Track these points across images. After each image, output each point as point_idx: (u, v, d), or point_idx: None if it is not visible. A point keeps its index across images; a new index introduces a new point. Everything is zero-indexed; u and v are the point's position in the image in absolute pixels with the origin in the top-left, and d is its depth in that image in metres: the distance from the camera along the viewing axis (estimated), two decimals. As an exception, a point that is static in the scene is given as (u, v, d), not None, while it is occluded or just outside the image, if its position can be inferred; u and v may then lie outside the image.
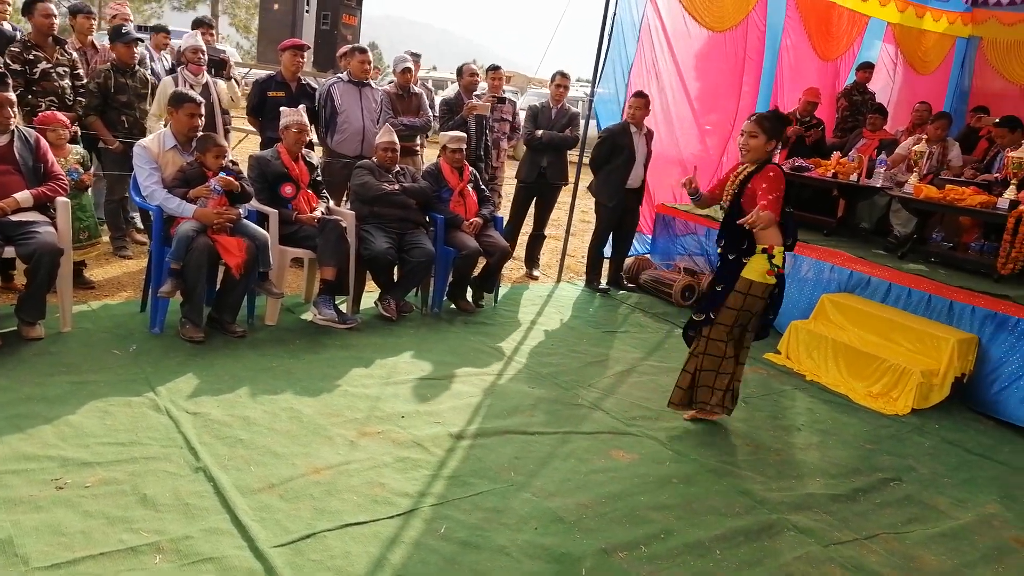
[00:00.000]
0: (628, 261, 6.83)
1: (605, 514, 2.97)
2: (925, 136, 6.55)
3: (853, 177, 6.20)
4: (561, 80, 6.41)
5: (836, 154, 6.51)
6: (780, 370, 4.99)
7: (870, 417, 4.37)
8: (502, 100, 6.60)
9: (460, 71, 6.52)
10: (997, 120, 6.44)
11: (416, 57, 6.82)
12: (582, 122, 6.57)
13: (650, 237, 7.17)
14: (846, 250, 5.69)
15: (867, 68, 7.72)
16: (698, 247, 6.69)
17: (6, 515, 2.50)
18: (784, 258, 3.66)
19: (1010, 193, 5.19)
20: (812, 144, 7.08)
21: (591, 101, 6.51)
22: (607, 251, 6.60)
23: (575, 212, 6.86)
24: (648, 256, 7.07)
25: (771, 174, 3.59)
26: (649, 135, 6.29)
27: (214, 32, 6.52)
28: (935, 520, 3.28)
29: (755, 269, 3.62)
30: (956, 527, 3.24)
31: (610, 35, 6.17)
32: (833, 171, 6.29)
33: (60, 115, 4.71)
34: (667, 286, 6.30)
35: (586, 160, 6.48)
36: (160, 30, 6.64)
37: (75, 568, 2.30)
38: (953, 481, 3.69)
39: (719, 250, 3.81)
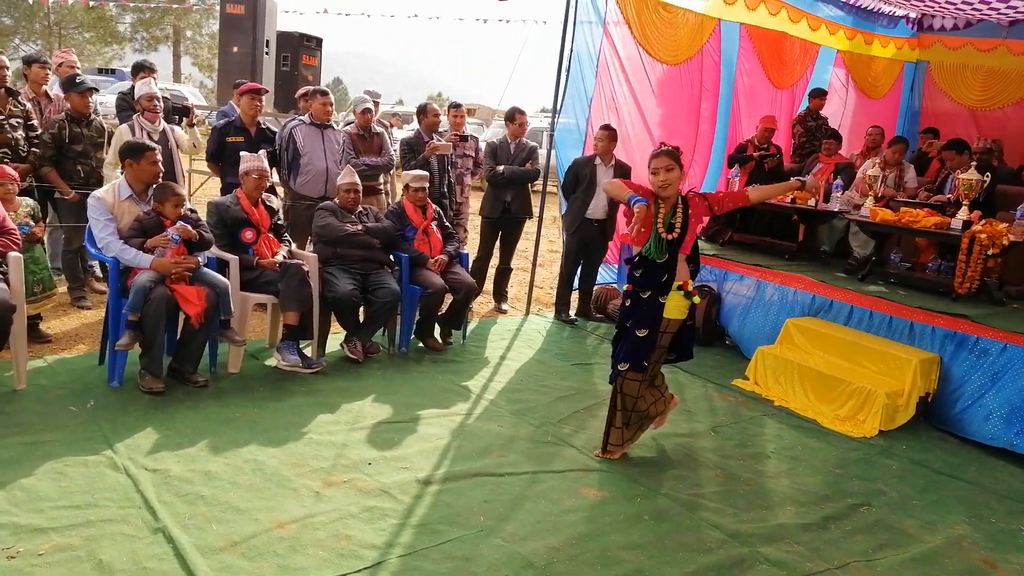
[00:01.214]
0: (595, 291, 6.86)
1: (576, 556, 2.93)
2: (880, 160, 6.70)
3: (811, 202, 6.31)
4: (520, 118, 6.47)
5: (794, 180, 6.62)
6: (749, 396, 5.01)
7: (838, 441, 4.40)
8: (464, 138, 6.63)
9: (423, 110, 6.55)
10: (944, 144, 6.63)
11: (376, 96, 6.85)
12: (543, 152, 6.63)
13: (616, 266, 7.21)
14: (808, 274, 5.77)
15: (820, 95, 7.91)
16: (664, 275, 6.73)
17: (-47, 590, 2.41)
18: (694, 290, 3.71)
19: (963, 214, 5.32)
20: (770, 170, 7.21)
21: (551, 134, 6.57)
22: (576, 282, 6.63)
23: (542, 242, 6.89)
24: (615, 285, 7.10)
25: (705, 199, 3.69)
26: (620, 168, 6.30)
27: (155, 75, 6.39)
28: (905, 545, 3.29)
29: (675, 307, 3.63)
30: (926, 551, 3.25)
31: (567, 68, 6.25)
32: (792, 197, 6.39)
33: (8, 168, 4.62)
34: (634, 316, 6.32)
35: (551, 190, 6.51)
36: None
37: (25, 644, 2.21)
38: (922, 503, 3.71)
39: (627, 287, 3.74)
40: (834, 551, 3.17)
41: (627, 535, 3.12)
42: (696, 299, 3.70)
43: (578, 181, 6.24)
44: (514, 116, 6.50)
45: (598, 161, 6.20)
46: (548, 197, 6.65)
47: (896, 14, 8.45)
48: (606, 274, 7.21)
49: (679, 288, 3.61)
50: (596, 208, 6.28)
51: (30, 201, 4.76)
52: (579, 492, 3.47)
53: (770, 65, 7.71)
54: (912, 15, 8.62)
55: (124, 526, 2.85)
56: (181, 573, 2.60)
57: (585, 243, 6.38)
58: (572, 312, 6.62)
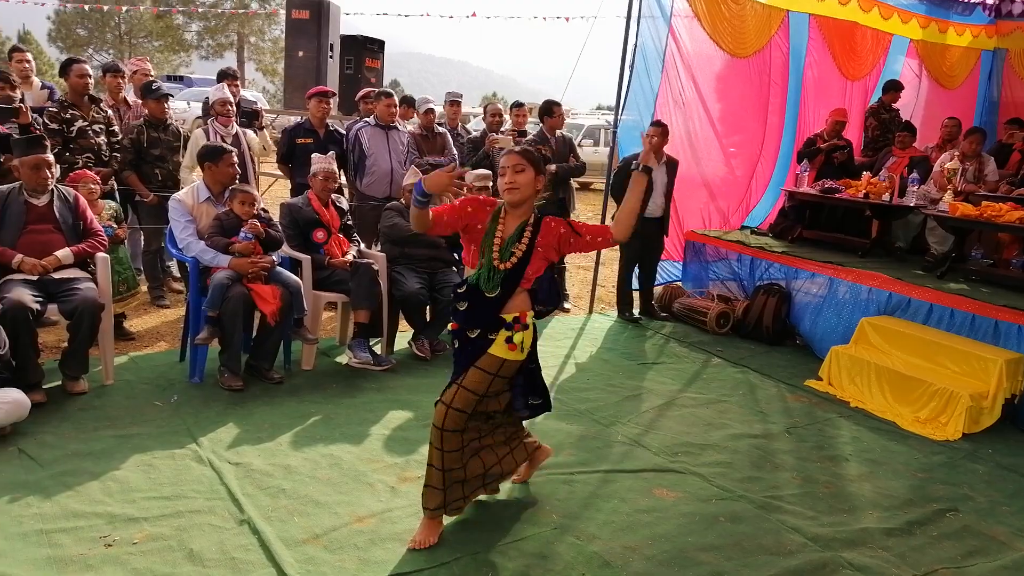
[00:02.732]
0: (659, 289, 6.79)
1: (653, 556, 2.90)
2: (958, 152, 6.45)
3: (885, 196, 6.11)
4: (558, 111, 6.39)
5: (866, 174, 6.44)
6: (823, 397, 4.89)
7: (920, 444, 4.25)
8: (523, 134, 6.64)
9: (486, 110, 6.60)
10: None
11: (457, 96, 6.88)
12: (603, 149, 6.59)
13: (681, 264, 7.12)
14: (883, 271, 5.59)
15: (895, 88, 7.65)
16: (730, 272, 6.63)
17: (58, 574, 2.52)
18: (534, 328, 2.91)
19: (1050, 207, 5.08)
20: (840, 165, 7.01)
21: (614, 131, 6.52)
22: (634, 282, 6.57)
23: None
24: (680, 284, 7.02)
25: (562, 230, 2.85)
26: (672, 164, 6.26)
27: (239, 83, 6.66)
28: (996, 552, 3.16)
29: (502, 345, 2.82)
30: (1019, 559, 3.12)
31: (631, 64, 6.19)
32: (865, 191, 6.21)
33: (89, 171, 4.82)
34: (701, 314, 6.24)
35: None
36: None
37: (125, 629, 2.30)
38: (1012, 509, 3.56)
39: (452, 325, 2.93)
40: (921, 557, 3.07)
41: (703, 536, 3.08)
42: (518, 337, 2.81)
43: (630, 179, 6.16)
44: (552, 109, 6.34)
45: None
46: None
47: (972, 1, 8.13)
48: (672, 271, 7.13)
49: (515, 321, 2.81)
50: (653, 206, 6.20)
51: (113, 204, 4.96)
52: (652, 492, 3.43)
53: (841, 56, 7.50)
54: (989, 1, 8.27)
55: (211, 517, 2.94)
56: (267, 564, 2.67)
57: (643, 243, 6.32)
58: (636, 311, 6.56)
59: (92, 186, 4.64)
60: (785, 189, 7.18)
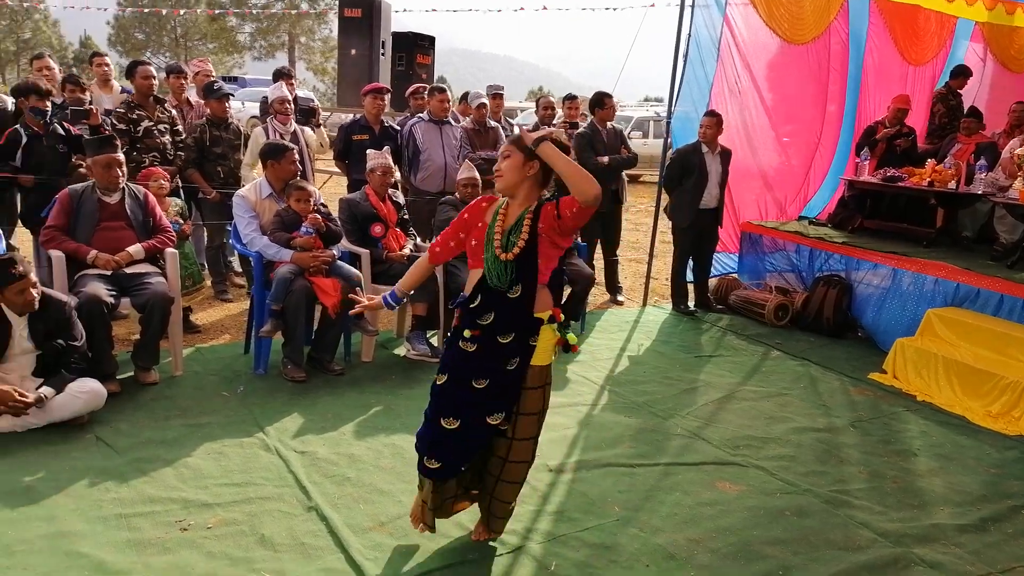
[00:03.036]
0: (714, 281, 6.71)
1: (717, 549, 2.88)
2: (1028, 137, 6.21)
3: (951, 184, 5.92)
4: (608, 102, 6.31)
5: (931, 161, 6.24)
6: (887, 390, 4.77)
7: (991, 439, 4.12)
8: (575, 125, 6.61)
9: (538, 103, 6.60)
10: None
11: (499, 89, 6.89)
12: (656, 141, 6.53)
13: (737, 256, 7.02)
14: (950, 261, 5.42)
15: (963, 74, 7.39)
16: (788, 264, 6.51)
17: (137, 557, 2.62)
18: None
19: None
20: (903, 153, 6.81)
21: (668, 121, 6.45)
22: (689, 274, 6.50)
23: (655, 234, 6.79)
24: (736, 276, 6.92)
25: (553, 211, 2.48)
26: (725, 154, 6.19)
27: (294, 81, 6.79)
28: (1077, 550, 3.05)
29: (547, 350, 2.58)
30: (1102, 558, 3.00)
31: (686, 54, 6.12)
32: (929, 179, 6.02)
33: (159, 169, 4.98)
34: (759, 306, 6.14)
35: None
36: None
37: (204, 610, 2.38)
38: (1092, 507, 3.43)
39: (470, 332, 2.55)
40: (996, 554, 2.98)
41: (769, 530, 3.04)
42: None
43: (685, 171, 6.11)
44: (603, 100, 6.29)
45: (704, 149, 6.06)
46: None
47: (1042, -20, 7.79)
48: (728, 263, 7.03)
49: (551, 320, 2.56)
50: (708, 197, 6.13)
51: (179, 201, 5.11)
52: (715, 485, 3.40)
53: (903, 40, 7.27)
54: (1060, -20, 7.92)
55: (280, 504, 3.02)
56: (336, 550, 2.73)
57: (700, 234, 6.24)
58: (691, 303, 6.49)
59: (162, 182, 4.79)
60: (845, 178, 7.01)
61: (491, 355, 2.54)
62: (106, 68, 6.22)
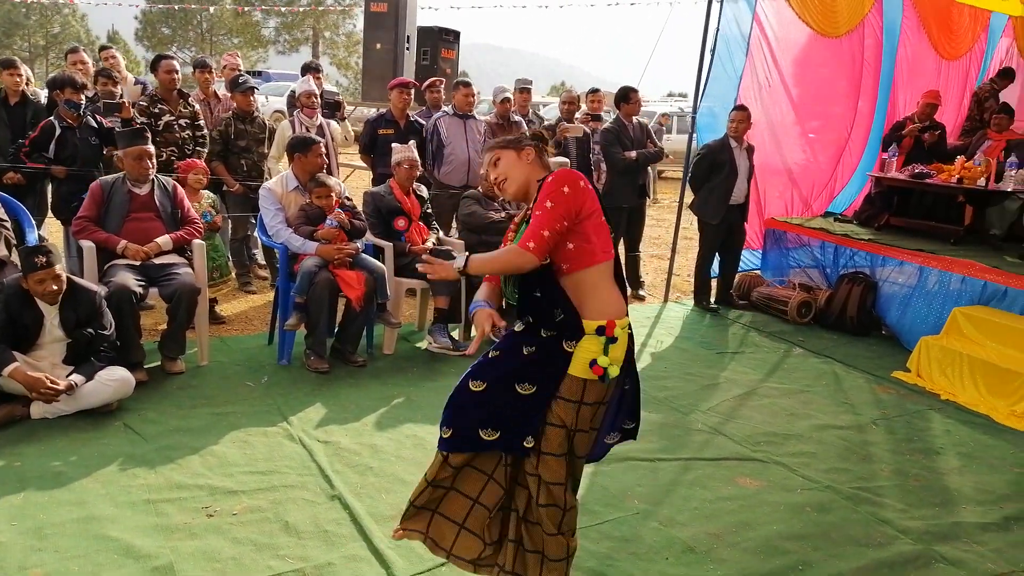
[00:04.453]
0: (737, 278, 6.67)
1: (737, 544, 2.88)
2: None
3: (981, 181, 5.84)
4: (634, 96, 6.31)
5: (960, 158, 6.16)
6: (911, 389, 4.73)
7: (1016, 438, 4.07)
8: (598, 118, 6.60)
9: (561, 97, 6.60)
10: None
11: (527, 83, 6.87)
12: (680, 137, 6.50)
13: (760, 252, 6.97)
14: (977, 259, 5.35)
15: (1006, 77, 7.29)
16: (812, 260, 6.46)
17: (165, 541, 2.68)
18: (630, 334, 2.26)
19: None
20: (931, 148, 6.73)
21: (693, 117, 6.42)
22: (714, 269, 6.47)
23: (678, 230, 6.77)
24: (759, 272, 6.88)
25: (548, 179, 2.18)
26: (750, 149, 6.17)
27: (321, 75, 6.84)
28: (1104, 552, 3.01)
29: (585, 361, 2.16)
30: None
31: (713, 49, 6.08)
32: (958, 176, 5.95)
33: (200, 162, 5.08)
34: (782, 303, 6.10)
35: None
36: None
37: (230, 593, 2.43)
38: (1120, 508, 3.38)
39: (520, 325, 2.28)
40: (1019, 553, 2.96)
41: (789, 526, 3.03)
42: (604, 360, 2.15)
43: (714, 168, 6.07)
44: (628, 95, 6.30)
45: (733, 144, 6.03)
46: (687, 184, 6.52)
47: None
48: (750, 259, 6.99)
49: (598, 331, 2.16)
50: (738, 192, 6.11)
51: (211, 194, 5.18)
52: (735, 481, 3.40)
53: (937, 34, 7.15)
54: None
55: (304, 492, 3.06)
56: (359, 537, 2.77)
57: (729, 230, 6.21)
58: (713, 299, 6.46)
59: (201, 176, 4.87)
60: (871, 174, 6.94)
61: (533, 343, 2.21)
62: (113, 61, 6.28)
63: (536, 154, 2.31)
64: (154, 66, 5.80)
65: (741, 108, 6.01)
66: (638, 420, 2.48)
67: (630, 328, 2.26)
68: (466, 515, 2.34)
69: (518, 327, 2.28)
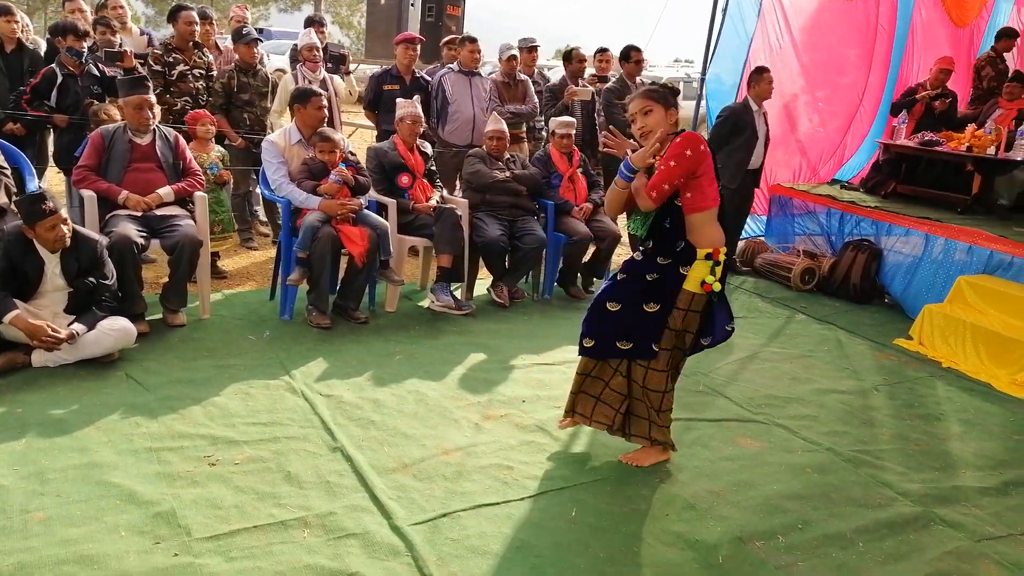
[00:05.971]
0: (741, 244, 6.63)
1: (738, 502, 2.89)
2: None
3: (991, 150, 5.78)
4: (636, 55, 6.19)
5: (971, 126, 6.08)
6: (913, 356, 4.72)
7: (1016, 406, 4.08)
8: (605, 79, 6.50)
9: (568, 56, 6.48)
10: None
11: (532, 42, 6.74)
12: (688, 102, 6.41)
13: (764, 218, 6.93)
14: (984, 228, 5.31)
15: (1008, 36, 7.14)
16: (817, 227, 6.41)
17: (167, 488, 2.68)
18: (725, 267, 2.88)
19: None
20: (941, 116, 6.64)
21: (702, 80, 6.33)
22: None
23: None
24: (763, 239, 6.84)
25: (676, 140, 2.77)
26: (765, 114, 6.08)
27: (325, 29, 6.72)
28: (1101, 518, 3.03)
29: (697, 280, 2.83)
30: (1126, 526, 2.98)
31: (724, 10, 5.96)
32: (968, 144, 5.88)
33: (207, 113, 5.00)
34: (785, 270, 6.07)
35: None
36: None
37: (232, 540, 2.44)
38: (1118, 476, 3.39)
39: (638, 255, 2.97)
40: (1017, 517, 2.97)
41: (789, 485, 3.05)
42: (711, 279, 2.83)
43: (735, 131, 5.94)
44: (630, 54, 6.14)
45: (754, 107, 5.92)
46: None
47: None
48: (754, 226, 6.95)
49: (707, 257, 2.83)
50: (756, 157, 6.01)
51: (220, 148, 5.12)
52: (736, 441, 3.41)
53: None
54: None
55: (306, 444, 3.07)
56: (360, 488, 2.78)
57: (744, 195, 6.12)
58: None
59: (209, 126, 4.81)
60: (880, 141, 6.86)
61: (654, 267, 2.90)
62: (120, 11, 6.18)
63: (675, 119, 2.83)
64: (172, 16, 5.69)
65: (764, 70, 5.86)
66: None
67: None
68: (600, 392, 3.06)
69: (637, 256, 2.97)
